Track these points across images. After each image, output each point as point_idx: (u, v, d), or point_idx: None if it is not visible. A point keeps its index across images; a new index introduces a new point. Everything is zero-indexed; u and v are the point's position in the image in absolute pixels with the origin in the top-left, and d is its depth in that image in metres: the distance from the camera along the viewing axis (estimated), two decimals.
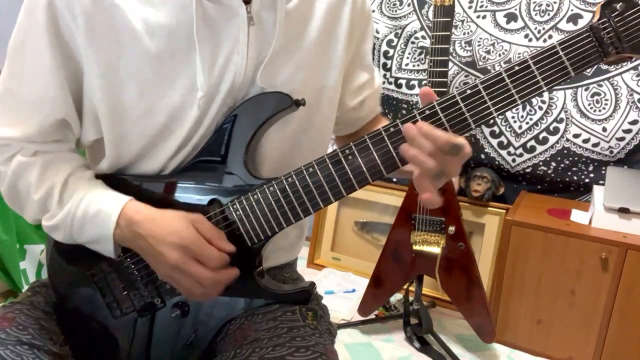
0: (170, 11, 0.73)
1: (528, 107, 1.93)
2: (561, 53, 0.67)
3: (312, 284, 0.86)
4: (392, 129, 0.72)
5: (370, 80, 0.95)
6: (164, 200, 0.79)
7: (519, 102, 0.69)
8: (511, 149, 1.98)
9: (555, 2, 1.84)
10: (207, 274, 0.72)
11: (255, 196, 0.76)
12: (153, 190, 0.79)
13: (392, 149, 0.72)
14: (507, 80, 0.68)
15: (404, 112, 2.16)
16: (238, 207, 0.77)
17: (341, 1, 0.83)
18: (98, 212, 0.75)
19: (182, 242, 0.71)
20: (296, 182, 0.75)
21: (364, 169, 0.73)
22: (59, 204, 0.76)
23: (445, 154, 0.67)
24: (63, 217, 0.76)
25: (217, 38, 0.75)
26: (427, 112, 0.70)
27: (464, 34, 1.99)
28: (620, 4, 0.65)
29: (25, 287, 1.75)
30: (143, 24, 0.72)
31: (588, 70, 1.81)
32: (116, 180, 0.80)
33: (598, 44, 0.66)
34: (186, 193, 0.79)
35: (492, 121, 2.01)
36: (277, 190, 0.75)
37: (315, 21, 0.81)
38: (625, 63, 1.78)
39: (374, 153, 0.72)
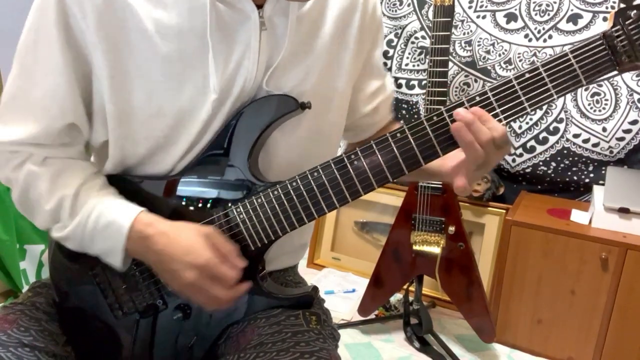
0: (182, 13, 0.72)
1: None
2: (573, 61, 0.66)
3: (315, 288, 0.85)
4: (398, 135, 0.71)
5: (383, 86, 0.94)
6: (168, 202, 0.78)
7: (528, 109, 0.68)
8: (511, 149, 1.98)
9: (555, 2, 1.84)
10: (223, 293, 0.72)
11: (259, 200, 0.76)
12: (156, 192, 0.79)
13: (398, 155, 0.71)
14: (517, 87, 0.68)
15: (403, 112, 2.16)
16: (242, 210, 0.76)
17: (352, 7, 0.83)
18: (108, 225, 0.74)
19: (199, 262, 0.70)
20: (300, 186, 0.74)
21: (370, 174, 0.72)
22: (70, 216, 0.75)
23: (496, 145, 0.68)
24: (73, 229, 0.75)
25: (229, 41, 0.74)
26: (435, 118, 0.70)
27: (464, 34, 1.99)
28: (635, 11, 0.64)
29: (25, 287, 1.75)
30: (154, 24, 0.71)
31: None
32: (121, 181, 0.80)
33: (611, 52, 0.65)
34: (190, 195, 0.78)
35: None
36: (282, 195, 0.75)
37: (326, 27, 0.81)
38: None
39: (380, 158, 0.72)
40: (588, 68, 0.66)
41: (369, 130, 0.97)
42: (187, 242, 0.72)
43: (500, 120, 0.69)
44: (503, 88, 0.68)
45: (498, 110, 0.69)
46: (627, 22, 0.64)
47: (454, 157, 0.74)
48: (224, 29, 0.74)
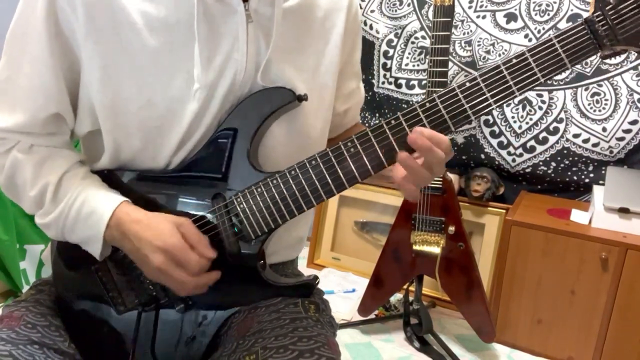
0: (170, 6, 0.74)
1: (528, 107, 1.93)
2: (557, 45, 0.69)
3: (315, 278, 0.87)
4: (393, 122, 0.73)
5: (357, 89, 0.98)
6: (168, 196, 0.79)
7: (517, 93, 0.70)
8: (511, 149, 1.98)
9: (555, 2, 1.84)
10: (187, 279, 0.73)
11: (259, 189, 0.77)
12: (156, 186, 0.80)
13: (393, 141, 0.73)
14: (505, 72, 0.70)
15: None
16: (242, 200, 0.77)
17: (337, 7, 0.86)
18: (90, 213, 0.75)
19: (165, 247, 0.72)
20: (299, 174, 0.76)
21: (366, 160, 0.74)
22: (53, 202, 0.77)
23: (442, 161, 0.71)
24: (56, 217, 0.77)
25: (216, 34, 0.76)
26: (428, 104, 0.72)
27: (464, 34, 1.99)
28: None
29: (25, 287, 1.75)
30: (142, 17, 0.73)
31: (588, 70, 1.82)
32: (119, 176, 0.81)
33: (593, 37, 0.68)
34: (190, 188, 0.79)
35: (490, 114, 2.01)
36: (281, 184, 0.76)
37: (314, 24, 0.83)
38: (624, 62, 1.78)
39: (376, 145, 0.73)
40: (572, 52, 0.69)
41: (334, 131, 0.98)
42: (157, 228, 0.73)
43: (490, 105, 0.71)
44: (492, 73, 0.70)
45: (488, 95, 0.70)
46: (607, 8, 0.67)
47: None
48: (211, 21, 0.75)
